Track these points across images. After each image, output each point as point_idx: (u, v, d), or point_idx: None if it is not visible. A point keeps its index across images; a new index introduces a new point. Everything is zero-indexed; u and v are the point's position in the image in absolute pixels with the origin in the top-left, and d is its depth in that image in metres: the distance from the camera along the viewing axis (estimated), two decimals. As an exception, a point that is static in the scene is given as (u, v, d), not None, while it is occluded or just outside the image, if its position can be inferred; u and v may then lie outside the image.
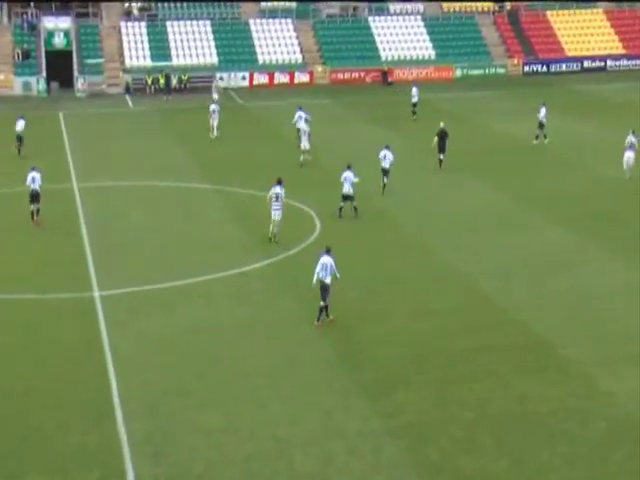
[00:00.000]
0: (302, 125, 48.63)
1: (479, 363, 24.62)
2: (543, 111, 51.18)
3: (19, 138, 49.77)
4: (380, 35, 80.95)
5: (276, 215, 34.22)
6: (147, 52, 76.07)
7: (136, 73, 74.16)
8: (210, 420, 21.82)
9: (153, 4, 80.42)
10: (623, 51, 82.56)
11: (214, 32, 78.58)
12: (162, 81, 72.39)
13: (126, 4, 79.62)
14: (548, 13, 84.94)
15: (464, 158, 47.33)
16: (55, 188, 41.78)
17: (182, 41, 77.34)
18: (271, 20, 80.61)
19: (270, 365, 24.74)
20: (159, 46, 76.69)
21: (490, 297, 29.36)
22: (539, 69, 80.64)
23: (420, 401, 22.65)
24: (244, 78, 75.50)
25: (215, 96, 64.43)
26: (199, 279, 31.09)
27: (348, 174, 37.12)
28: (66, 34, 74.55)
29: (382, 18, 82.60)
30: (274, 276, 31.63)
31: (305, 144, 46.95)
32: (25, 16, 76.61)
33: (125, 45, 76.39)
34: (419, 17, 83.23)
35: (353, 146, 50.47)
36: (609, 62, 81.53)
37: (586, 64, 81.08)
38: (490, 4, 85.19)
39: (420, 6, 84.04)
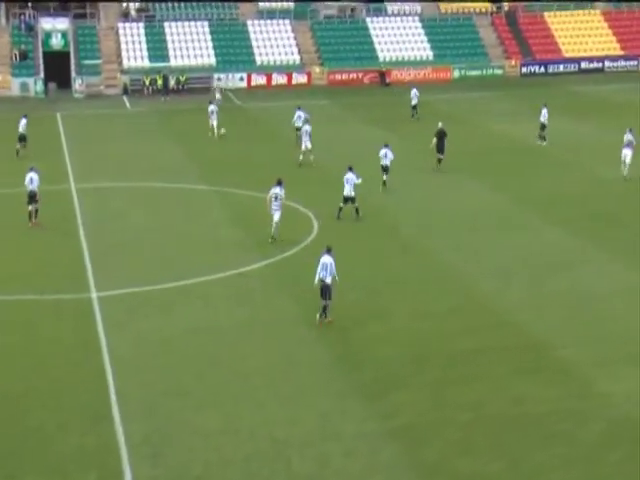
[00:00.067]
0: (304, 125, 48.51)
1: (477, 364, 24.62)
2: (545, 113, 51.23)
3: (22, 137, 49.74)
4: (378, 36, 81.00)
5: (275, 216, 34.24)
6: (145, 53, 76.07)
7: (134, 74, 74.14)
8: (209, 421, 21.82)
9: (151, 5, 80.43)
10: (621, 52, 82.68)
11: (212, 33, 78.59)
12: (160, 82, 72.40)
13: (124, 5, 79.63)
14: (546, 14, 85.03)
15: (463, 159, 47.35)
16: (53, 189, 41.76)
17: (180, 42, 77.35)
18: (269, 21, 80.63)
19: (268, 365, 24.74)
20: (157, 47, 76.68)
21: (489, 298, 29.36)
22: (537, 70, 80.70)
23: (417, 402, 22.64)
24: (242, 79, 75.51)
25: (218, 96, 64.54)
26: (197, 280, 31.08)
27: (350, 176, 36.97)
28: (64, 35, 74.57)
29: (380, 19, 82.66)
30: (272, 277, 31.63)
31: (307, 144, 46.95)
32: (23, 17, 76.61)
33: (123, 46, 76.37)
34: (417, 18, 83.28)
35: (351, 147, 50.46)
36: (607, 63, 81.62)
37: (584, 65, 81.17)
38: (488, 5, 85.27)
39: (418, 7, 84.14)
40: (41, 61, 73.60)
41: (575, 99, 68.08)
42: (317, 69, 77.83)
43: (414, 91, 60.65)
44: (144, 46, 76.49)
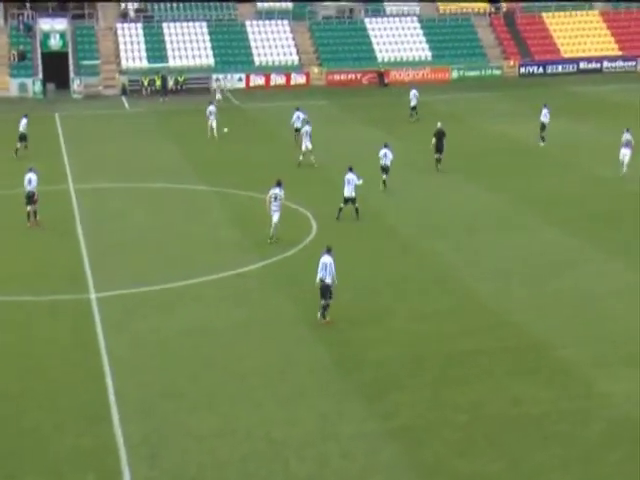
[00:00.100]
0: (304, 125, 48.40)
1: (476, 364, 24.56)
2: (545, 113, 51.18)
3: (23, 137, 49.69)
4: (376, 36, 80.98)
5: (274, 216, 34.19)
6: (143, 53, 76.03)
7: (132, 74, 74.10)
8: (206, 422, 21.75)
9: (149, 5, 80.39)
10: (619, 52, 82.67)
11: (210, 33, 78.56)
12: (158, 82, 72.34)
13: (122, 5, 79.58)
14: (544, 14, 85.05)
15: (461, 159, 47.33)
16: (51, 190, 41.70)
17: (178, 42, 77.31)
18: (267, 21, 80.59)
19: (266, 366, 24.68)
20: (155, 47, 76.64)
21: (489, 298, 29.29)
22: (535, 70, 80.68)
23: (416, 403, 22.59)
24: (240, 79, 75.46)
25: (218, 96, 64.48)
26: (195, 280, 31.02)
27: (351, 176, 36.84)
28: (62, 35, 74.49)
29: (378, 19, 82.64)
30: (270, 277, 31.57)
31: (307, 144, 46.89)
32: (21, 17, 76.56)
33: (121, 46, 76.33)
34: (415, 18, 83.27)
35: (350, 147, 50.43)
36: (605, 63, 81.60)
37: (582, 65, 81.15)
38: (486, 5, 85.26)
39: (416, 7, 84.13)
40: (39, 62, 73.54)
41: (573, 99, 68.06)
42: (316, 70, 77.79)
43: (413, 92, 60.46)
44: (142, 47, 76.45)
